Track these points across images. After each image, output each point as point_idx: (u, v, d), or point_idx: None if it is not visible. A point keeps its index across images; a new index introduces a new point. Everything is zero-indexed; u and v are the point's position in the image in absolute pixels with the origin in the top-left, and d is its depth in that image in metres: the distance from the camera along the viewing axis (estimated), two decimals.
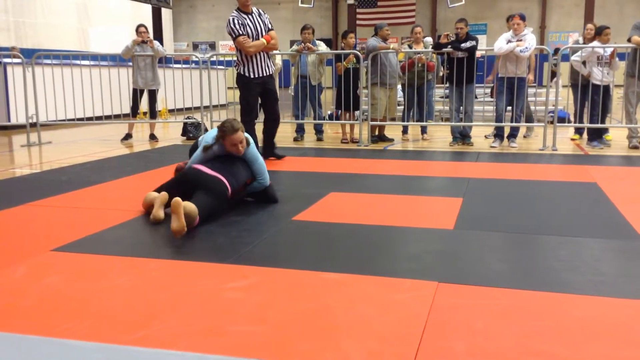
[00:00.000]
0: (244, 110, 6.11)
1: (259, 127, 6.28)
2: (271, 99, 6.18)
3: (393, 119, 8.23)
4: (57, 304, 2.39)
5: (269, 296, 2.47)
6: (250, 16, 5.93)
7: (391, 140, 8.22)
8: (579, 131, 7.77)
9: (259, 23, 5.93)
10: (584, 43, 7.49)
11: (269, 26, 6.01)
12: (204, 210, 3.59)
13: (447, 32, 7.75)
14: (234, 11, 5.99)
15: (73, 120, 8.71)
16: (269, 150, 6.22)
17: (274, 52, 6.54)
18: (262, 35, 5.93)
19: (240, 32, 5.87)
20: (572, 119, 8.20)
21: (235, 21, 5.88)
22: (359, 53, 7.85)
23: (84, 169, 5.91)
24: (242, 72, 6.04)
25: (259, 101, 6.32)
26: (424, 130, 8.53)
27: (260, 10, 6.04)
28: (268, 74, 6.09)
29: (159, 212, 3.72)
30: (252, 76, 6.01)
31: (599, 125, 7.43)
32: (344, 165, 6.08)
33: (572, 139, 7.66)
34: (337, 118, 8.57)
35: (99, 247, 3.20)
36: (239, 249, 3.17)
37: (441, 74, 8.33)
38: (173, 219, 3.31)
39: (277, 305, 2.37)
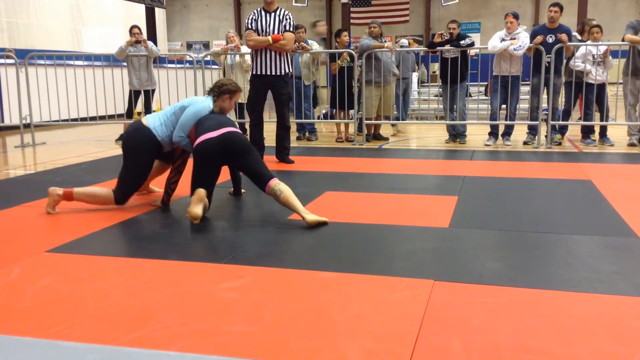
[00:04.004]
0: (247, 107, 6.13)
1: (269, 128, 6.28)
2: (277, 102, 6.14)
3: (388, 117, 8.19)
4: (52, 305, 2.38)
5: (264, 296, 2.47)
6: (269, 15, 5.93)
7: (386, 139, 8.23)
8: (561, 131, 7.72)
9: (274, 22, 5.90)
10: (581, 39, 7.50)
11: (287, 28, 5.94)
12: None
13: (441, 31, 7.78)
14: (258, 9, 6.02)
15: (67, 120, 8.68)
16: (279, 154, 6.17)
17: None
18: (272, 34, 5.89)
19: (248, 27, 5.92)
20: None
21: (251, 17, 5.98)
22: (352, 52, 7.85)
23: (78, 169, 5.89)
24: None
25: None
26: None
27: (285, 12, 6.00)
28: (276, 73, 5.97)
29: (195, 210, 3.54)
30: (254, 72, 6.04)
31: (596, 123, 7.45)
32: (339, 164, 6.08)
33: (558, 139, 7.62)
34: (332, 117, 8.57)
35: (93, 248, 3.19)
36: (235, 248, 3.17)
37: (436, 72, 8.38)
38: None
39: (272, 304, 2.37)
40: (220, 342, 2.04)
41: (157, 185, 4.61)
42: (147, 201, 4.31)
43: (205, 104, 4.07)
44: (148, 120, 4.13)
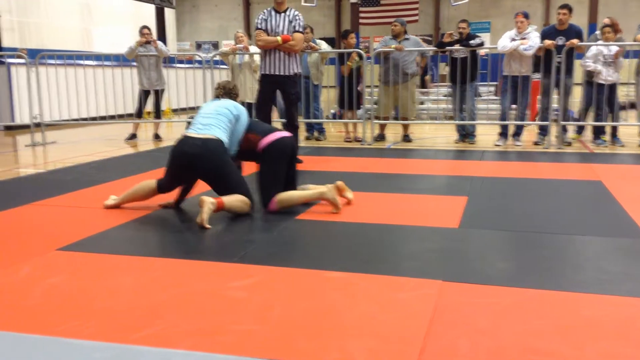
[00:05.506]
0: (255, 106, 6.15)
1: None
2: (286, 102, 6.14)
3: (405, 118, 8.07)
4: (62, 303, 2.39)
5: (272, 295, 2.47)
6: (279, 15, 5.92)
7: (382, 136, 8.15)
8: (579, 130, 7.68)
9: (283, 23, 5.90)
10: (602, 38, 7.45)
11: (296, 28, 5.94)
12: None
13: (451, 31, 7.76)
14: (268, 8, 6.02)
15: (77, 120, 8.73)
16: None
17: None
18: (281, 35, 5.88)
19: (258, 26, 5.93)
20: (576, 116, 8.15)
21: (260, 17, 5.99)
22: (361, 51, 7.84)
23: (88, 168, 5.92)
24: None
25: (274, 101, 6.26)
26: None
27: (294, 12, 5.99)
28: (283, 73, 5.95)
29: (334, 195, 3.93)
30: (263, 72, 6.05)
31: (607, 124, 7.39)
32: (348, 164, 6.08)
33: (573, 138, 7.60)
34: (341, 117, 8.56)
35: (103, 247, 3.21)
36: (243, 248, 3.17)
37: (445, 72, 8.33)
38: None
39: (280, 304, 2.37)
40: (228, 341, 2.04)
41: None
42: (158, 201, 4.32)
43: (245, 111, 4.15)
44: (216, 134, 3.87)
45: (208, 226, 3.51)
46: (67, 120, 8.82)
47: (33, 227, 3.64)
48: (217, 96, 4.24)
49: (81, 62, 9.83)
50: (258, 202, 3.96)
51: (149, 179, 4.09)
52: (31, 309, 2.35)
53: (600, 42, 7.27)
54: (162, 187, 3.99)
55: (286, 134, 4.09)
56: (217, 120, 3.93)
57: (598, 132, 7.45)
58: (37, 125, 8.18)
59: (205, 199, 3.57)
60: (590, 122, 7.46)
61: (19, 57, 8.80)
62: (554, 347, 1.97)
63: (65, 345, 2.01)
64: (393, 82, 7.76)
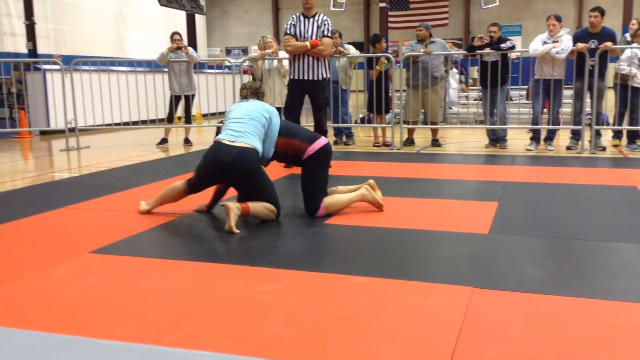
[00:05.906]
0: (284, 111, 6.20)
1: None
2: (314, 107, 6.15)
3: (434, 122, 8.01)
4: (94, 305, 2.44)
5: (300, 299, 2.47)
6: (307, 20, 5.96)
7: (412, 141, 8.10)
8: (617, 135, 7.52)
9: (312, 28, 5.92)
10: (632, 39, 7.30)
11: (325, 33, 5.95)
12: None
13: (481, 34, 7.68)
14: (297, 14, 6.05)
15: (110, 125, 8.89)
16: None
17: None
18: (310, 40, 5.90)
19: (287, 32, 5.96)
20: (610, 121, 7.98)
21: (289, 22, 6.03)
22: (390, 55, 7.82)
23: (121, 172, 6.02)
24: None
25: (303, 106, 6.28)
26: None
27: (323, 17, 6.01)
28: (312, 78, 5.97)
29: (374, 194, 4.11)
30: (292, 77, 6.07)
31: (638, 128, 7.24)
32: (377, 168, 6.06)
33: (614, 145, 7.44)
34: (369, 121, 8.54)
35: (134, 250, 3.26)
36: (272, 252, 3.19)
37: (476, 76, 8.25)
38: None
39: (308, 308, 2.37)
40: (256, 345, 2.05)
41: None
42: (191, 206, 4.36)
43: (276, 112, 4.14)
44: (251, 142, 3.82)
45: (237, 231, 3.54)
46: (101, 126, 8.99)
47: (67, 230, 3.71)
48: (245, 97, 4.21)
49: (114, 68, 10.02)
50: (283, 209, 3.98)
51: (178, 181, 4.12)
52: (65, 309, 2.39)
53: (632, 45, 7.12)
54: (193, 187, 4.00)
55: (325, 139, 4.10)
56: (251, 126, 3.87)
57: (633, 136, 7.29)
58: (72, 130, 8.35)
59: (230, 205, 3.59)
60: (624, 127, 7.30)
61: (54, 63, 9.00)
62: (587, 355, 1.93)
63: (97, 346, 2.05)
64: (422, 85, 7.72)
